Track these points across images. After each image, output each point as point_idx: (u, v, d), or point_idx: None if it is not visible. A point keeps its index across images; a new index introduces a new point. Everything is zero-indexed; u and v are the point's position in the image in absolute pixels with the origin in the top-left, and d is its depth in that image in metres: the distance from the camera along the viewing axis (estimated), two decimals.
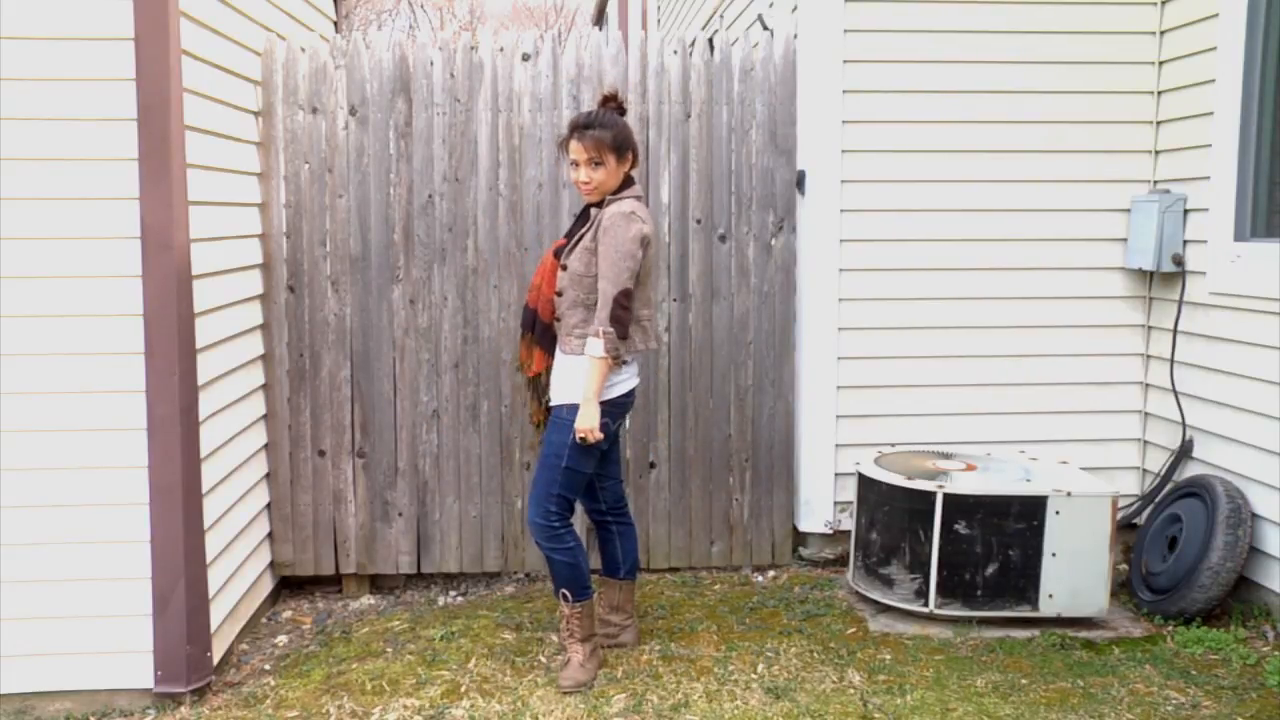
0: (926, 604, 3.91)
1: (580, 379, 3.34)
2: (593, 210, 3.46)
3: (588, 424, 3.30)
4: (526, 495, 4.42)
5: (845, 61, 4.40)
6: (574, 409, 3.35)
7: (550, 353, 3.53)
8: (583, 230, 3.43)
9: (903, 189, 4.49)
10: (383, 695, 3.46)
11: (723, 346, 4.47)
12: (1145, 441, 4.65)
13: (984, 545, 3.86)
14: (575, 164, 3.40)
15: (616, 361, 3.34)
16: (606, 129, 3.35)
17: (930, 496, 3.87)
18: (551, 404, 3.50)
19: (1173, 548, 4.05)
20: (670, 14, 9.45)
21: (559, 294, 3.43)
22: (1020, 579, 3.87)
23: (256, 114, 4.21)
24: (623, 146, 3.39)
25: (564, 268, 3.42)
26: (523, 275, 4.35)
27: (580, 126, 3.37)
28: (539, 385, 3.62)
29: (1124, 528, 4.37)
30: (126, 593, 3.39)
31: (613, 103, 3.46)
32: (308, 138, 4.26)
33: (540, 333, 3.53)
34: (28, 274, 3.25)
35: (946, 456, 4.27)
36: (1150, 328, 4.60)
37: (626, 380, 3.45)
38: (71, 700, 3.43)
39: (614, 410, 3.42)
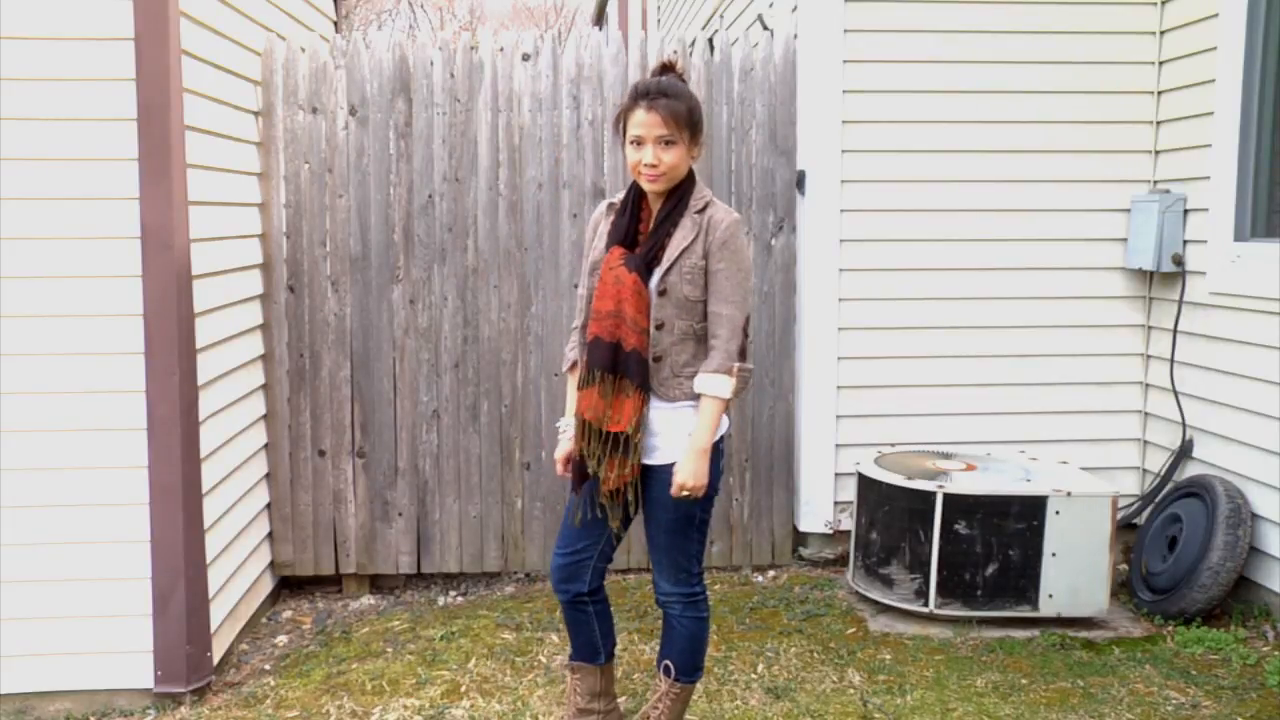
0: (926, 604, 3.91)
1: (694, 427, 2.73)
2: (644, 206, 2.80)
3: (698, 479, 2.70)
4: (526, 495, 4.44)
5: (845, 61, 4.40)
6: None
7: (647, 398, 2.76)
8: (687, 243, 2.72)
9: (903, 189, 4.49)
10: (383, 695, 3.46)
11: None
12: (1145, 441, 4.65)
13: (984, 545, 3.86)
14: (638, 141, 2.68)
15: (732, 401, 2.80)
16: (681, 100, 2.68)
17: (930, 496, 3.87)
18: (656, 463, 2.78)
19: (1173, 548, 4.05)
20: (670, 14, 9.45)
21: (659, 326, 2.73)
22: (1020, 579, 3.87)
23: (256, 114, 4.21)
24: (698, 124, 2.72)
25: (663, 292, 2.72)
26: (522, 275, 4.35)
27: (650, 93, 2.66)
28: (629, 443, 2.74)
29: (1124, 528, 4.37)
30: (126, 593, 3.38)
31: (673, 71, 2.76)
32: (308, 138, 4.26)
33: (633, 372, 2.72)
34: (28, 274, 3.25)
35: (946, 456, 4.27)
36: (1150, 328, 4.60)
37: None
38: (71, 700, 3.43)
39: (722, 453, 2.85)
